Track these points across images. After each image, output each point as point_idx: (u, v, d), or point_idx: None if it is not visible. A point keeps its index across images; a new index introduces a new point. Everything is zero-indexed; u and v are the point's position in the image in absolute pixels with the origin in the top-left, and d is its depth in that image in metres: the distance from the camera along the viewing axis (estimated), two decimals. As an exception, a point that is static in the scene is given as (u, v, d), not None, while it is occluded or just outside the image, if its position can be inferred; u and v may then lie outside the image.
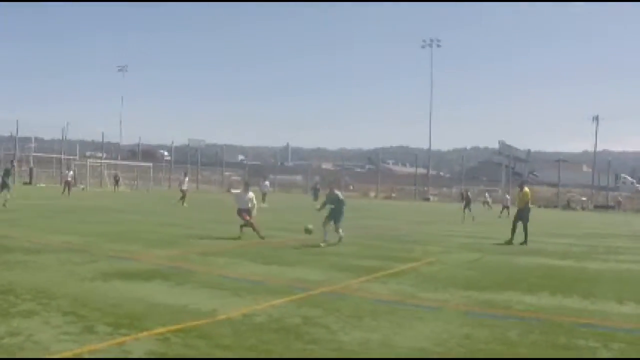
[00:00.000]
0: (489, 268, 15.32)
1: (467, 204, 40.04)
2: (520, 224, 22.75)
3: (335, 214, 19.49)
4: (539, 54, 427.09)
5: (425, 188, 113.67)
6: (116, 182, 69.04)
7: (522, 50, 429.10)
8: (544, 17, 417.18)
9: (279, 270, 13.00)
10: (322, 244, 18.25)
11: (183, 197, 39.75)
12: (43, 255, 13.52)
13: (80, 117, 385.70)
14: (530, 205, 23.55)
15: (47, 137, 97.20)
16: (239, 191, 21.39)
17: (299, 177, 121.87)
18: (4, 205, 27.67)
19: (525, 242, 22.23)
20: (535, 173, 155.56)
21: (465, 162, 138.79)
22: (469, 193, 42.18)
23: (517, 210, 23.37)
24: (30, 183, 67.26)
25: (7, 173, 30.08)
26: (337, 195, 19.80)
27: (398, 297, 10.33)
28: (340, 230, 19.43)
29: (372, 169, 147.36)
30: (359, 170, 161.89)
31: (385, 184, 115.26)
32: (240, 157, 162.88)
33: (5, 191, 28.84)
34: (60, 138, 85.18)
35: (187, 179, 42.55)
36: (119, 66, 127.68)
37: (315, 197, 49.63)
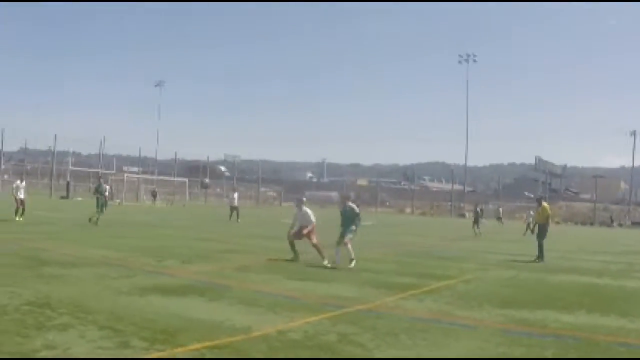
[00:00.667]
0: (525, 286, 15.16)
1: (476, 220, 40.03)
2: (541, 240, 22.32)
3: (346, 228, 17.62)
4: (576, 68, 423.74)
5: (461, 204, 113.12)
6: (153, 197, 69.49)
7: (559, 65, 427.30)
8: (581, 30, 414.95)
9: (314, 286, 12.96)
10: (328, 264, 16.73)
11: (236, 214, 39.92)
12: (80, 268, 13.58)
13: (117, 132, 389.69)
14: (549, 221, 22.96)
15: (84, 152, 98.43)
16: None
17: (334, 194, 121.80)
18: (92, 221, 28.04)
19: (539, 258, 21.84)
20: (572, 189, 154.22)
21: (502, 178, 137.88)
22: (478, 209, 41.86)
23: (538, 227, 23.04)
24: (67, 197, 67.85)
25: (98, 190, 30.79)
26: (352, 209, 17.83)
27: (434, 315, 10.23)
28: (350, 247, 17.18)
29: (408, 185, 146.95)
30: (394, 186, 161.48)
31: (420, 200, 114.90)
32: (309, 174, 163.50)
33: (98, 209, 29.39)
34: (97, 152, 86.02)
35: (236, 194, 42.59)
36: (155, 81, 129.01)
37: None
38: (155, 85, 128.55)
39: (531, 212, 47.19)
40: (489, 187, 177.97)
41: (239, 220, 38.92)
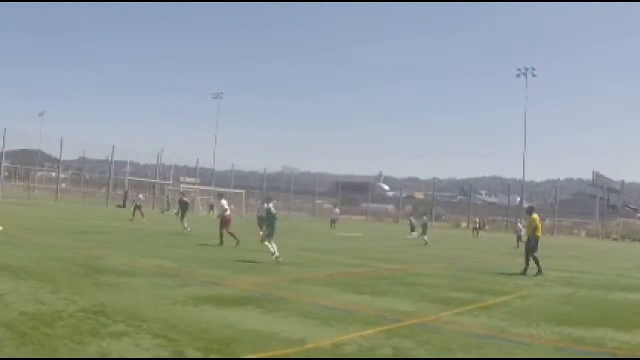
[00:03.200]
0: (582, 303, 14.88)
1: (476, 229, 41.44)
2: (533, 254, 21.65)
3: (269, 227, 20.50)
4: (634, 83, 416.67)
5: (518, 219, 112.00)
6: (210, 208, 69.89)
7: (617, 80, 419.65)
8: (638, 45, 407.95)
9: (370, 299, 12.85)
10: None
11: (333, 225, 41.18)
12: (135, 278, 13.66)
13: (174, 143, 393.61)
14: (538, 234, 21.86)
15: (142, 162, 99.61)
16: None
17: (390, 206, 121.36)
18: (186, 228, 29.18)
19: (538, 272, 21.24)
20: (630, 205, 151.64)
21: (559, 194, 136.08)
22: (477, 219, 43.70)
23: (527, 240, 22.26)
24: (124, 206, 68.64)
25: (183, 206, 32.53)
26: (269, 210, 20.98)
27: (489, 331, 10.06)
28: (267, 243, 19.95)
29: (464, 199, 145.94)
30: (451, 200, 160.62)
31: (477, 214, 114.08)
32: (386, 187, 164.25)
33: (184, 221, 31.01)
34: (155, 163, 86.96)
35: (337, 209, 43.89)
36: (214, 93, 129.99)
37: (412, 227, 48.07)
38: (214, 97, 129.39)
39: (519, 224, 47.73)
40: (545, 203, 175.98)
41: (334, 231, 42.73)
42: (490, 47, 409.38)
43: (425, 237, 38.91)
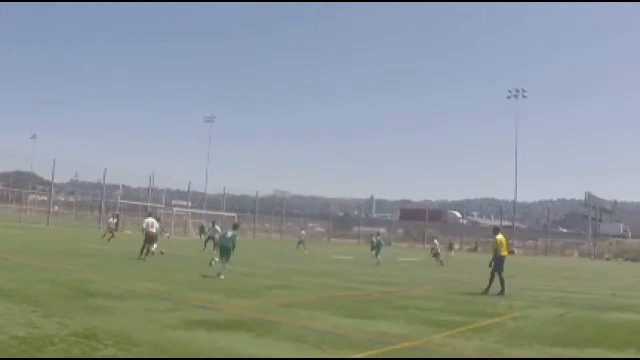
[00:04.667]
0: (575, 324, 14.88)
1: (437, 253, 43.94)
2: (499, 274, 21.93)
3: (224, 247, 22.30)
4: (627, 103, 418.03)
5: (510, 241, 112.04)
6: (201, 231, 69.78)
7: (609, 99, 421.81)
8: (629, 62, 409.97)
9: (361, 323, 12.81)
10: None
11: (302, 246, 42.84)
12: (127, 301, 13.63)
13: (166, 167, 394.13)
14: (503, 254, 22.33)
15: (134, 185, 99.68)
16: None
17: (382, 229, 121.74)
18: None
19: (502, 292, 21.38)
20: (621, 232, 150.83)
21: (552, 214, 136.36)
22: (436, 241, 47.11)
23: (492, 259, 22.42)
24: (116, 229, 68.43)
25: (206, 231, 33.77)
26: (217, 230, 24.58)
27: (482, 354, 10.07)
28: (222, 265, 21.80)
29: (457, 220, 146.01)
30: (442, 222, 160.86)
31: (469, 236, 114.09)
32: (458, 215, 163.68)
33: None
34: (147, 186, 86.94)
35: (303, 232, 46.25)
36: (206, 117, 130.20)
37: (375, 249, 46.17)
38: (206, 121, 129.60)
39: (435, 241, 48.73)
40: (538, 224, 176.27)
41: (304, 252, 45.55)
42: (481, 68, 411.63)
43: (379, 257, 39.73)
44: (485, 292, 21.56)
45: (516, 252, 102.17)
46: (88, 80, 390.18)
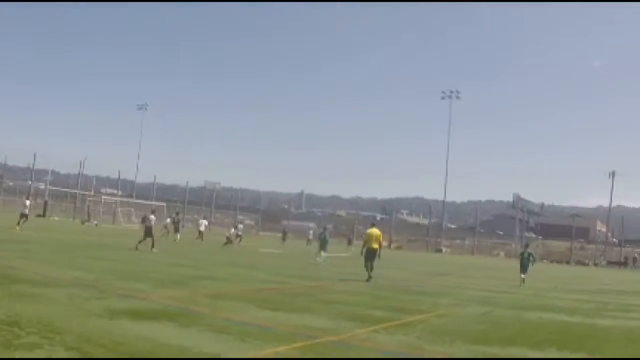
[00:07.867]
0: (498, 322, 15.14)
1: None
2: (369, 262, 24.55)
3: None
4: (557, 109, 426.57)
5: (438, 239, 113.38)
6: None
7: (540, 105, 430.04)
8: (562, 72, 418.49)
9: (286, 316, 12.90)
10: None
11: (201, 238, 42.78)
12: (51, 289, 13.51)
13: (97, 154, 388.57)
14: (373, 246, 25.06)
15: (63, 171, 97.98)
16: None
17: (312, 224, 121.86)
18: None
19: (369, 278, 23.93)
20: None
21: (480, 215, 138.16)
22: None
23: (366, 250, 25.05)
24: (44, 215, 67.40)
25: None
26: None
27: (404, 349, 10.23)
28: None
29: (386, 218, 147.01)
30: (372, 219, 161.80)
31: (398, 234, 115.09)
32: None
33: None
34: (77, 173, 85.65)
35: (205, 221, 46.10)
36: (138, 104, 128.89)
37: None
38: (139, 109, 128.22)
39: (232, 230, 51.76)
40: (466, 223, 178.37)
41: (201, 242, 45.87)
42: (416, 69, 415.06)
43: (322, 255, 35.61)
44: (368, 280, 23.72)
45: (444, 250, 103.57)
46: (19, 69, 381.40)
